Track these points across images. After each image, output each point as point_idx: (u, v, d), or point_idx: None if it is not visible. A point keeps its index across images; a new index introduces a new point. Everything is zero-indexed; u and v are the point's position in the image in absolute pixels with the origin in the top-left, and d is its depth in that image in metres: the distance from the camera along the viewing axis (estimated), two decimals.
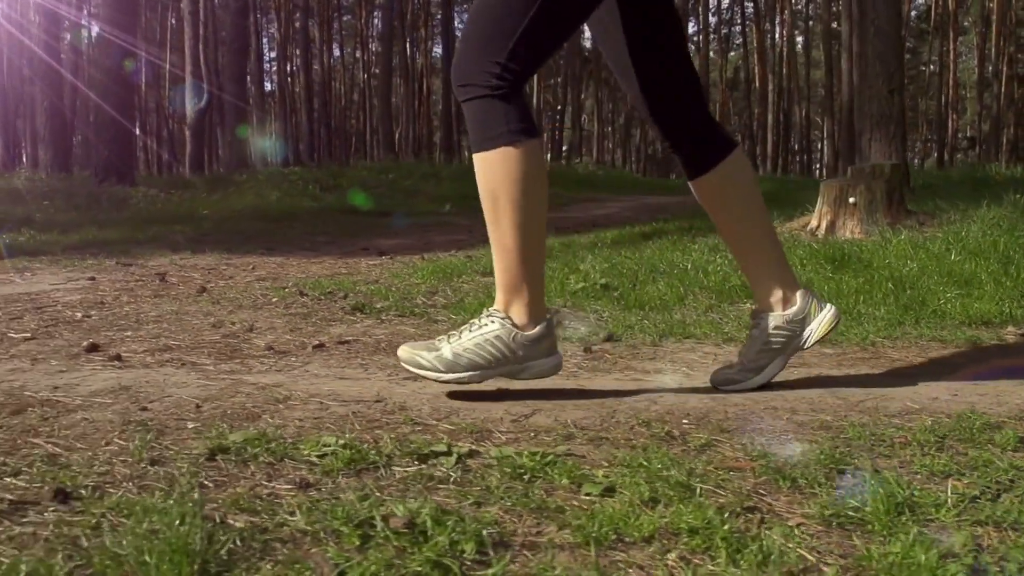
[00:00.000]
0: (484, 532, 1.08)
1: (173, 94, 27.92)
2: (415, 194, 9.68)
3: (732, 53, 46.38)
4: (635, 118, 40.48)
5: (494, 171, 1.78)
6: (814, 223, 5.48)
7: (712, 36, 40.07)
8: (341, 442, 1.42)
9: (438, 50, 42.54)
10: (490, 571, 1.00)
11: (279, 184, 9.87)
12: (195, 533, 1.00)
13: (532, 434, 1.56)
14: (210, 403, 1.72)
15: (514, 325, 1.81)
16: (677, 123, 2.02)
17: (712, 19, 40.59)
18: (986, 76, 41.73)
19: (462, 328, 1.85)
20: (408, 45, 30.07)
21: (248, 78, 19.39)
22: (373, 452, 1.39)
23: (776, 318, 1.98)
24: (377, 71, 44.41)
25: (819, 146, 42.14)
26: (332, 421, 1.60)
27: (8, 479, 1.27)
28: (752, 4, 40.16)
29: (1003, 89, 37.58)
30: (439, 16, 43.41)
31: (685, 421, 1.68)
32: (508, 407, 1.72)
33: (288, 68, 39.20)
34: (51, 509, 1.16)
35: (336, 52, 43.96)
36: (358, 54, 46.54)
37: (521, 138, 1.77)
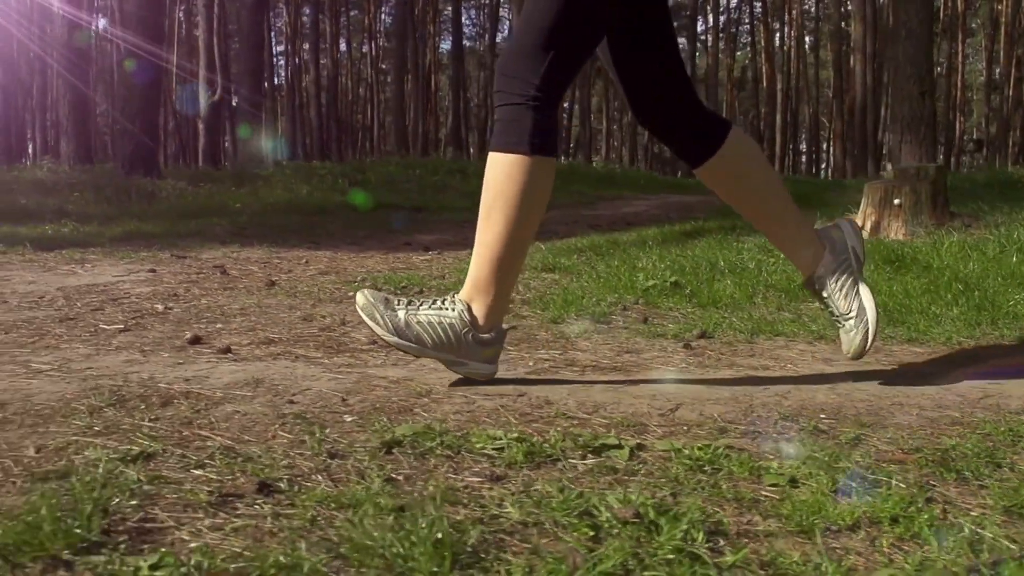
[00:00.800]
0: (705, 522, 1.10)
1: (180, 89, 27.88)
2: (443, 189, 9.71)
3: (739, 52, 46.37)
4: None
5: (503, 172, 1.85)
6: (858, 223, 5.50)
7: (720, 35, 40.06)
8: (512, 435, 1.43)
9: (444, 46, 42.62)
10: (729, 559, 1.02)
11: (307, 178, 9.89)
12: (441, 526, 1.02)
13: (685, 428, 1.58)
14: (354, 396, 1.73)
15: (471, 322, 1.85)
16: (672, 117, 2.08)
17: (721, 17, 40.58)
18: (994, 78, 41.76)
19: (424, 300, 1.90)
20: (414, 40, 30.08)
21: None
22: (547, 446, 1.41)
23: (828, 271, 2.03)
24: (383, 66, 44.52)
25: (826, 147, 42.13)
26: (485, 415, 1.62)
27: (196, 471, 1.29)
28: (760, 3, 40.14)
29: (1011, 92, 37.57)
30: (446, 12, 43.60)
31: (823, 415, 1.70)
32: (650, 402, 1.74)
33: (295, 62, 39.19)
34: (259, 502, 1.17)
35: (342, 47, 44.01)
36: (364, 49, 46.59)
37: (538, 153, 1.84)
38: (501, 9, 41.62)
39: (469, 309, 1.86)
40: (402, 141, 21.16)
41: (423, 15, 34.15)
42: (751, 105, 43.09)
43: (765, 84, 40.73)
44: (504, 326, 1.92)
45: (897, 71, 8.19)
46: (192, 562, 0.97)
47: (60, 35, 11.63)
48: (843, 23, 34.41)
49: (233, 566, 0.97)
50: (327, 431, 1.49)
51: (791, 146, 41.74)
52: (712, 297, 3.30)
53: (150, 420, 1.54)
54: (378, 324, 1.85)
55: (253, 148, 16.23)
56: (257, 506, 1.16)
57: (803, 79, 42.33)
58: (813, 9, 43.34)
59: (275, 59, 45.08)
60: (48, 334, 2.44)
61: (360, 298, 1.89)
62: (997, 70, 41.17)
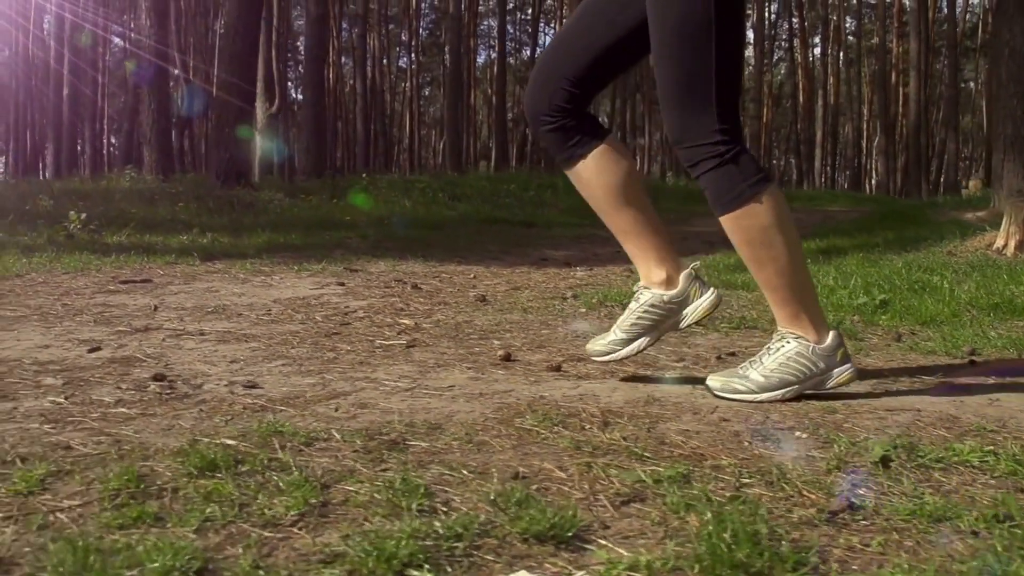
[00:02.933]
0: None
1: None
2: (542, 204, 9.80)
3: (777, 69, 46.32)
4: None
5: (746, 226, 1.92)
6: (1000, 242, 5.52)
7: (763, 51, 40.10)
8: (987, 449, 1.48)
9: (479, 59, 42.78)
10: None
11: (405, 192, 9.99)
12: None
13: None
14: (775, 415, 1.79)
15: (808, 340, 1.92)
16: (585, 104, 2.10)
17: (765, 32, 40.54)
18: None
19: (760, 354, 1.97)
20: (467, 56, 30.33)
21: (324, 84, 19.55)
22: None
23: (655, 296, 2.07)
24: (419, 80, 44.78)
25: (868, 162, 41.93)
26: (904, 428, 1.66)
27: (728, 477, 1.34)
28: (798, 19, 40.09)
29: None
30: (482, 25, 43.86)
31: None
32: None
33: (334, 75, 39.51)
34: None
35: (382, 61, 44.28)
36: (401, 63, 46.91)
37: (760, 188, 1.90)
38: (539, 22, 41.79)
39: (797, 335, 1.93)
40: (456, 156, 21.29)
41: (468, 29, 34.37)
42: (790, 119, 42.96)
43: (803, 99, 40.60)
44: (835, 330, 1.97)
45: (1000, 89, 8.18)
46: None
47: (148, 44, 11.85)
48: (887, 39, 34.26)
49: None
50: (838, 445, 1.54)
51: (831, 161, 41.58)
52: (929, 315, 3.33)
53: (632, 439, 1.60)
54: (743, 393, 1.91)
55: (320, 159, 16.38)
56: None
57: (848, 94, 42.19)
58: (851, 25, 43.26)
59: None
60: (342, 350, 2.48)
61: (713, 383, 1.94)
62: None
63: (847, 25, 41.75)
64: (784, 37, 44.17)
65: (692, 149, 1.92)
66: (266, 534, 1.13)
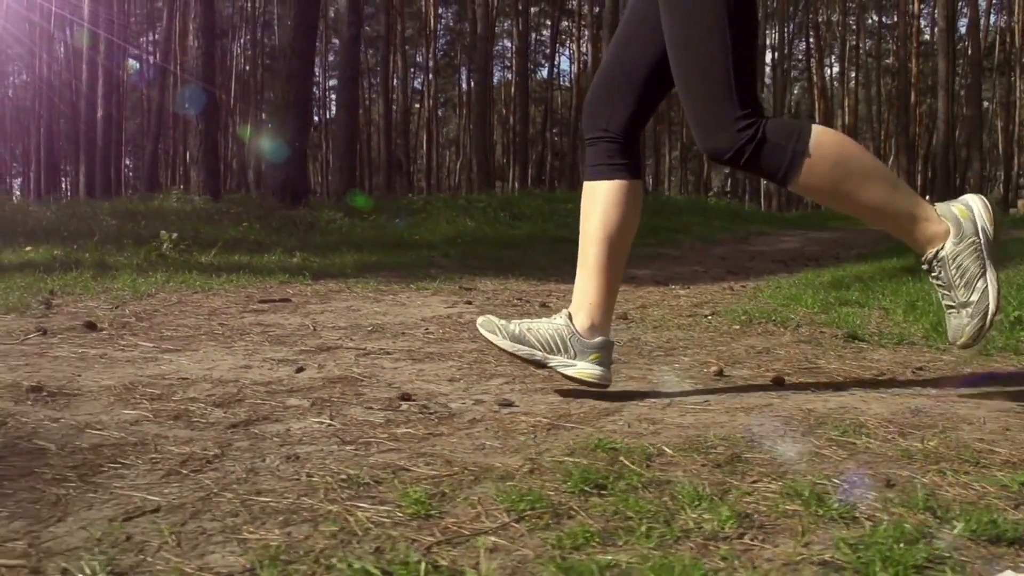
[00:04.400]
0: None
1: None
2: None
3: (792, 88, 46.43)
4: (692, 147, 40.60)
5: (818, 178, 1.86)
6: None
7: (782, 71, 40.21)
8: None
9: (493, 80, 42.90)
10: None
11: (465, 212, 9.97)
12: None
13: None
14: None
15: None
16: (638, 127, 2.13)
17: (775, 54, 40.69)
18: None
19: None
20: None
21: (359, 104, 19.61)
22: None
23: (569, 329, 2.04)
24: (435, 100, 44.97)
25: None
26: None
27: None
28: (814, 39, 40.27)
29: None
30: (497, 45, 44.07)
31: None
32: None
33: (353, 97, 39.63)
34: None
35: (393, 81, 44.49)
36: (416, 83, 47.14)
37: (804, 140, 1.85)
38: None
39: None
40: (485, 176, 21.30)
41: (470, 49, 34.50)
42: None
43: (819, 119, 40.70)
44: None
45: None
46: None
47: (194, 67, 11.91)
48: (907, 60, 34.34)
49: None
50: None
51: None
52: None
53: (947, 446, 1.56)
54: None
55: (350, 177, 16.40)
56: None
57: (861, 115, 42.29)
58: (863, 46, 43.40)
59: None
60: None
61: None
62: None
63: (865, 46, 41.91)
64: (800, 57, 44.31)
65: (724, 149, 1.88)
66: (722, 547, 1.08)
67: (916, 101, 34.33)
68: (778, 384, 2.20)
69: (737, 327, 3.35)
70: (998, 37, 40.80)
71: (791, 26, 42.21)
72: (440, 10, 43.90)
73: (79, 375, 2.20)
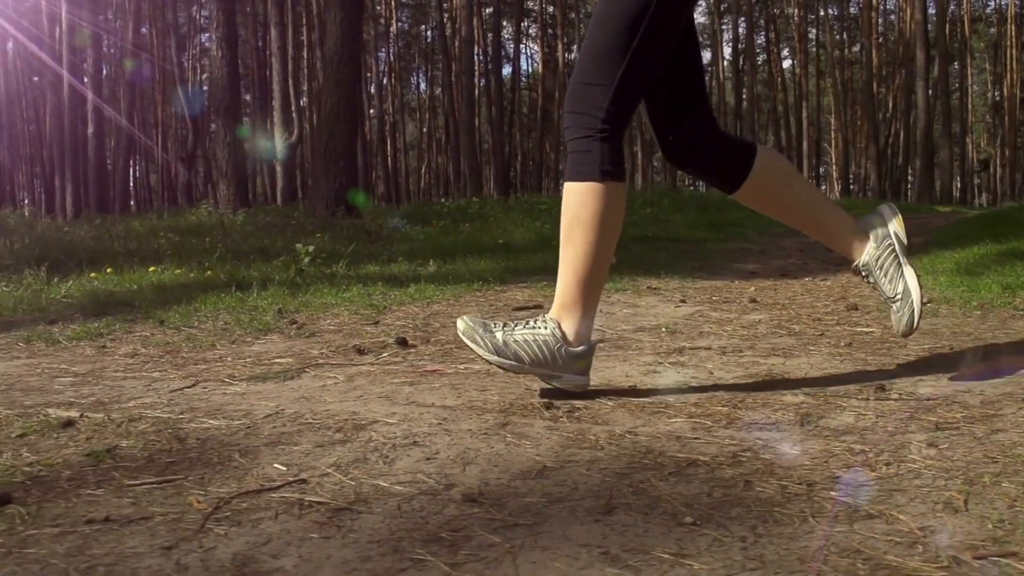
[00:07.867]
0: None
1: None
2: (663, 222, 9.88)
3: (748, 80, 47.12)
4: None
5: (579, 200, 2.00)
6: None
7: (739, 63, 40.77)
8: None
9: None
10: None
11: (529, 214, 10.00)
12: None
13: None
14: None
15: (563, 338, 2.01)
16: (704, 149, 2.25)
17: (728, 49, 41.31)
18: (996, 100, 42.77)
19: (518, 322, 2.08)
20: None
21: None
22: None
23: (871, 258, 2.16)
24: (392, 105, 44.75)
25: (859, 172, 42.75)
26: None
27: None
28: (774, 32, 41.03)
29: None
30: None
31: None
32: None
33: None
34: None
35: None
36: (371, 88, 46.84)
37: (608, 179, 1.99)
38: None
39: (559, 326, 2.02)
40: (476, 181, 21.38)
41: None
42: (769, 132, 43.77)
43: (783, 111, 41.50)
44: (593, 339, 2.07)
45: None
46: None
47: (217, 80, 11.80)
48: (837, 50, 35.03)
49: None
50: None
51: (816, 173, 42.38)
52: None
53: None
54: (479, 345, 2.02)
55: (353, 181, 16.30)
56: None
57: (826, 107, 43.04)
58: (814, 37, 44.25)
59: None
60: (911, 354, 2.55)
61: (461, 324, 2.05)
62: (998, 93, 42.17)
63: (817, 37, 42.70)
64: (759, 52, 45.02)
65: (576, 115, 2.01)
66: None
67: (877, 92, 35.15)
68: None
69: (979, 312, 3.45)
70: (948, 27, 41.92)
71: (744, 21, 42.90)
72: (398, 12, 43.76)
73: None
